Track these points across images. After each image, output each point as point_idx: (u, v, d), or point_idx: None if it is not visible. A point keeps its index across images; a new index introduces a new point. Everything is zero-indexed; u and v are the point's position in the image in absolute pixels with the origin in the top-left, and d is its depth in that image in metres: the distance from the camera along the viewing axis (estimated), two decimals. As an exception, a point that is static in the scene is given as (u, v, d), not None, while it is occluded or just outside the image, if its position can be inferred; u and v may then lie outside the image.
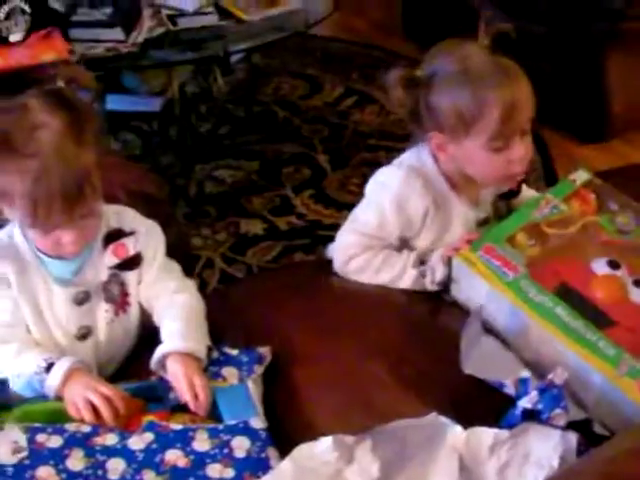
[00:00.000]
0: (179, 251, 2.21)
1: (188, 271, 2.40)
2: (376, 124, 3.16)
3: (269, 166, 2.97)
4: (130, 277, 1.53)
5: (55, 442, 1.30)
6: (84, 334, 1.51)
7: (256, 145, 3.05)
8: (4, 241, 1.48)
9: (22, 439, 1.29)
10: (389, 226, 1.61)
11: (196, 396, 1.39)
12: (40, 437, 1.30)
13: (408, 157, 1.66)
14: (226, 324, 1.60)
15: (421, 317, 1.58)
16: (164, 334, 1.48)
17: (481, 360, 1.41)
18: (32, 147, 1.34)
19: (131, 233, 1.52)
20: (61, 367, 1.39)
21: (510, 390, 1.37)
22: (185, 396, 1.39)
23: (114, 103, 2.79)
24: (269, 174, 2.93)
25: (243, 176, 2.94)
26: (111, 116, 2.95)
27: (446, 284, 1.56)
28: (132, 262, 1.52)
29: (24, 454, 1.28)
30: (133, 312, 1.54)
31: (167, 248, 2.11)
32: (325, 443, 1.26)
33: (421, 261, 1.60)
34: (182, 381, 1.39)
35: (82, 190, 1.35)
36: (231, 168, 2.97)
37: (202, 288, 1.89)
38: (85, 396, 1.36)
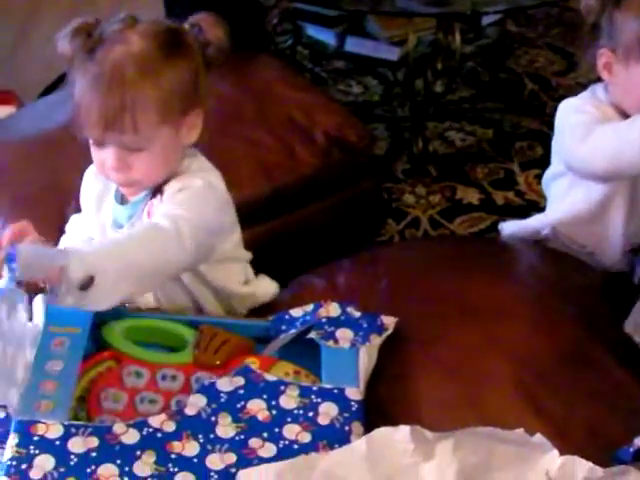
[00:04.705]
0: (373, 205, 2.19)
1: (386, 227, 2.39)
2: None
3: (503, 137, 2.85)
4: None
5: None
6: None
7: (495, 113, 2.93)
8: None
9: None
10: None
11: None
12: None
13: (583, 94, 1.64)
14: (362, 286, 1.54)
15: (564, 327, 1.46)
16: None
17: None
18: (103, 55, 1.33)
19: (161, 194, 1.42)
20: None
21: None
22: None
23: (353, 45, 2.76)
24: (500, 145, 2.81)
25: (474, 142, 2.84)
26: (354, 59, 2.92)
27: None
28: None
29: None
30: None
31: (360, 199, 2.10)
32: (402, 432, 1.19)
33: None
34: None
35: (121, 115, 1.31)
36: (463, 132, 2.87)
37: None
38: None
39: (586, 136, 1.52)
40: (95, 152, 1.40)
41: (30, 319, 1.37)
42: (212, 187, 1.42)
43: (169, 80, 1.34)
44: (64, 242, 1.53)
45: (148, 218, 1.41)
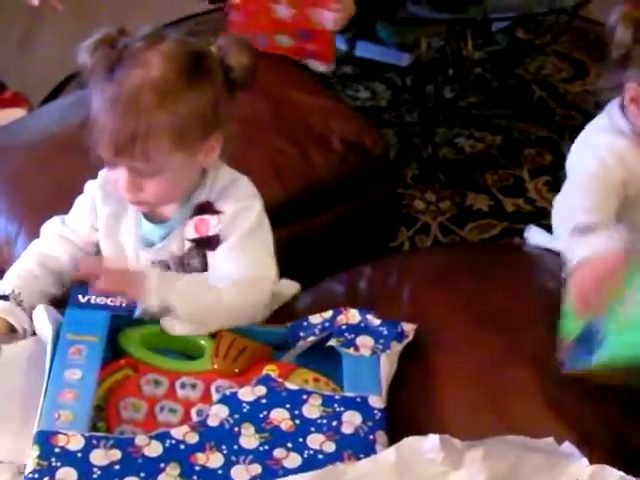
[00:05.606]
0: (387, 211, 2.17)
1: (397, 233, 2.37)
2: (635, 122, 2.94)
3: (512, 144, 2.83)
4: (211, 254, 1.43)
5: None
6: None
7: (503, 120, 2.91)
8: None
9: None
10: (610, 168, 1.48)
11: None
12: None
13: (601, 122, 1.55)
14: (384, 293, 1.53)
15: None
16: None
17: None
18: (121, 76, 1.29)
19: (217, 212, 1.41)
20: None
21: None
22: None
23: (364, 50, 2.72)
24: (509, 152, 2.80)
25: (483, 148, 2.82)
26: (362, 63, 2.90)
27: None
28: (209, 242, 1.41)
29: None
30: None
31: (374, 206, 2.07)
32: (432, 441, 1.17)
33: None
34: None
35: (132, 144, 1.28)
36: (473, 138, 2.86)
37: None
38: None
39: (578, 188, 1.48)
40: (108, 170, 1.38)
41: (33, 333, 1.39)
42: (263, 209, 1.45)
43: (186, 107, 1.30)
44: (31, 249, 1.52)
45: (197, 233, 1.41)
